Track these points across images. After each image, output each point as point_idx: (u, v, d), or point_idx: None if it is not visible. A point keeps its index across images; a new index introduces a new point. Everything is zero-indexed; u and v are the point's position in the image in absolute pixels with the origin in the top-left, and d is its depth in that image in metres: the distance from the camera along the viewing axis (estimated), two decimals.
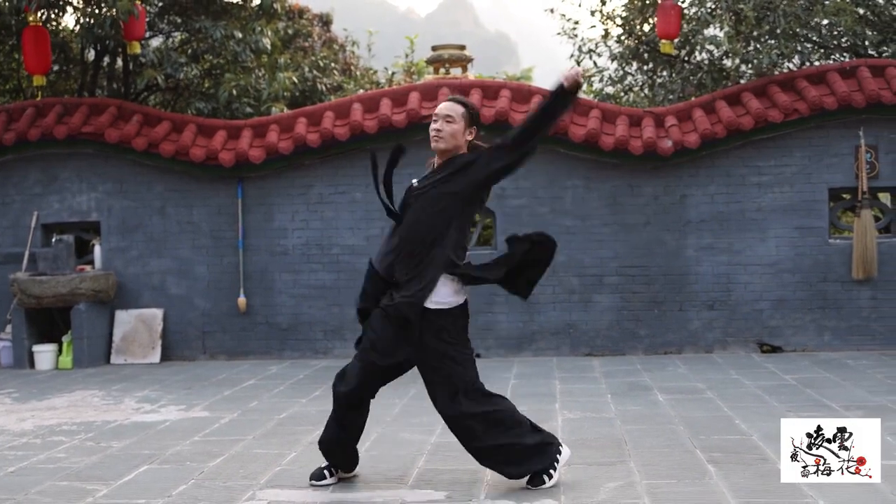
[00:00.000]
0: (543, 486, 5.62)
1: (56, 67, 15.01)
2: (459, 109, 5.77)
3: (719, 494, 5.40)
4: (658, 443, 6.74)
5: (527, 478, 5.67)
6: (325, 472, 5.91)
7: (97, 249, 12.10)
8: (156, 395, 9.38)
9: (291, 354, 11.78)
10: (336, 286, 11.74)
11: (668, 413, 7.80)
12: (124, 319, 11.92)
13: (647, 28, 15.31)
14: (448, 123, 5.74)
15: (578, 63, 16.16)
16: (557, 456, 5.70)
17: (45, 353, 11.53)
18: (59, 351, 11.63)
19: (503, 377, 9.83)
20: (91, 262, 12.28)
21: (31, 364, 11.55)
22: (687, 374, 9.83)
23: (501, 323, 11.43)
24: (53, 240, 11.95)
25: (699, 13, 13.81)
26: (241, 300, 11.75)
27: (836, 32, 13.59)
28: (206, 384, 10.01)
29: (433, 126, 5.80)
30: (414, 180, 5.90)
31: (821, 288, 11.23)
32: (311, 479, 5.91)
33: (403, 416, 7.88)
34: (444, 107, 5.82)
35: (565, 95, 5.64)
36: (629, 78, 16.24)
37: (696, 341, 11.34)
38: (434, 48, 13.76)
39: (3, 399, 9.46)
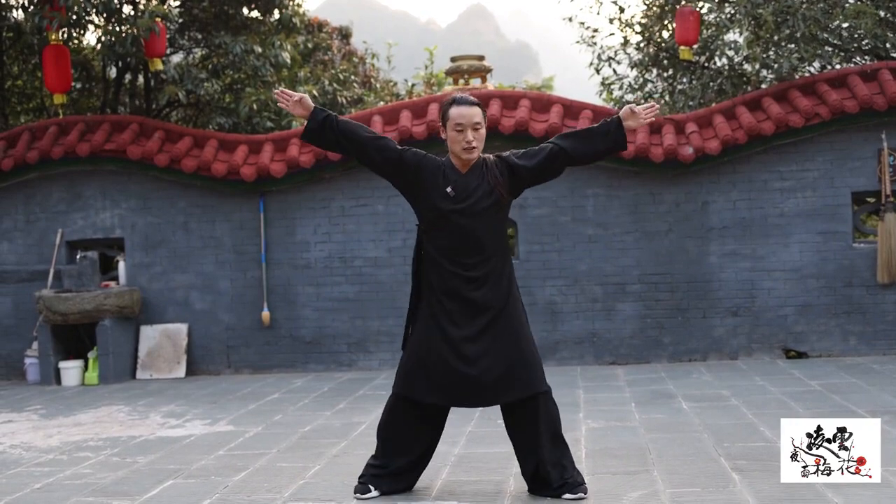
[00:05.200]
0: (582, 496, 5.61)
1: (78, 85, 15.16)
2: (479, 111, 5.70)
3: (744, 502, 5.37)
4: (682, 451, 6.71)
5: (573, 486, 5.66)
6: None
7: (121, 265, 12.17)
8: (181, 410, 9.42)
9: (315, 367, 11.81)
10: (359, 299, 11.76)
11: (693, 421, 7.77)
12: (149, 335, 11.98)
13: (666, 35, 15.29)
14: (477, 130, 5.67)
15: (598, 71, 16.15)
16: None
17: (71, 370, 11.61)
18: (85, 367, 11.71)
19: None
20: (115, 279, 12.35)
21: (58, 380, 11.62)
22: (711, 381, 9.79)
23: None
24: (78, 257, 12.04)
25: (718, 19, 13.79)
26: (265, 314, 11.79)
27: (856, 35, 13.51)
28: (231, 398, 10.04)
29: (463, 137, 5.65)
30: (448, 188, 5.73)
31: (845, 293, 11.17)
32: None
33: None
34: (468, 114, 5.66)
35: (619, 132, 5.71)
36: (649, 85, 16.21)
37: (720, 348, 11.29)
38: (453, 59, 13.79)
39: (30, 415, 9.53)
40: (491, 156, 5.80)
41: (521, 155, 5.80)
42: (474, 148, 5.67)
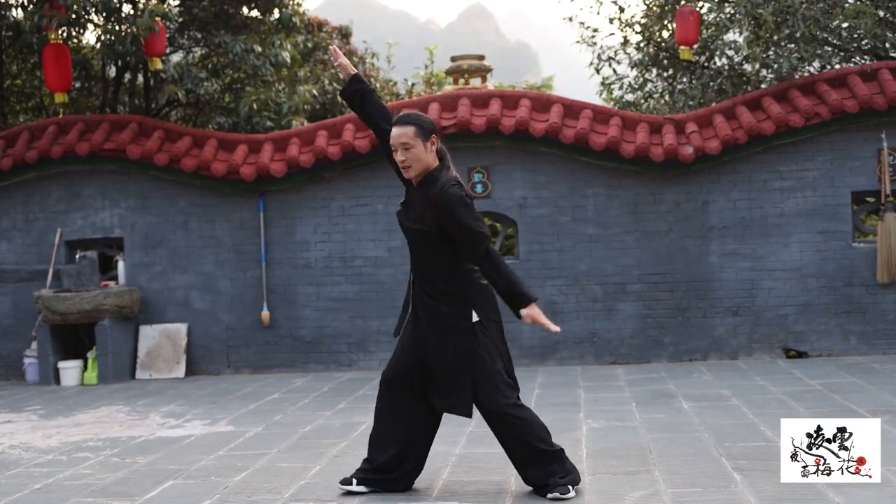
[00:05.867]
0: (569, 496, 5.60)
1: (77, 85, 15.14)
2: (411, 130, 5.65)
3: (745, 502, 5.36)
4: (683, 451, 6.70)
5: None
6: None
7: (121, 265, 12.15)
8: (181, 410, 9.41)
9: (315, 367, 11.80)
10: (359, 298, 11.75)
11: (694, 421, 7.76)
12: (149, 335, 11.97)
13: (666, 34, 15.30)
14: (407, 150, 5.65)
15: (598, 71, 16.15)
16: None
17: (70, 370, 11.59)
18: (85, 367, 11.69)
19: (527, 387, 9.79)
20: (115, 278, 12.34)
21: (57, 380, 11.61)
22: (712, 380, 9.79)
23: (525, 332, 11.40)
24: (77, 256, 12.02)
25: (718, 18, 13.79)
26: (265, 314, 11.78)
27: (856, 35, 13.52)
28: (231, 398, 10.03)
29: (397, 157, 5.71)
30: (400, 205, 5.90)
31: (845, 292, 11.16)
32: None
33: None
34: (396, 134, 5.68)
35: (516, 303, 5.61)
36: (649, 85, 16.23)
37: (720, 348, 11.28)
38: (453, 59, 13.76)
39: (29, 416, 9.51)
40: (451, 180, 5.67)
41: (461, 213, 5.54)
42: (408, 167, 5.70)
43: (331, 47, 6.19)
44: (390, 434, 5.90)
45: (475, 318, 5.69)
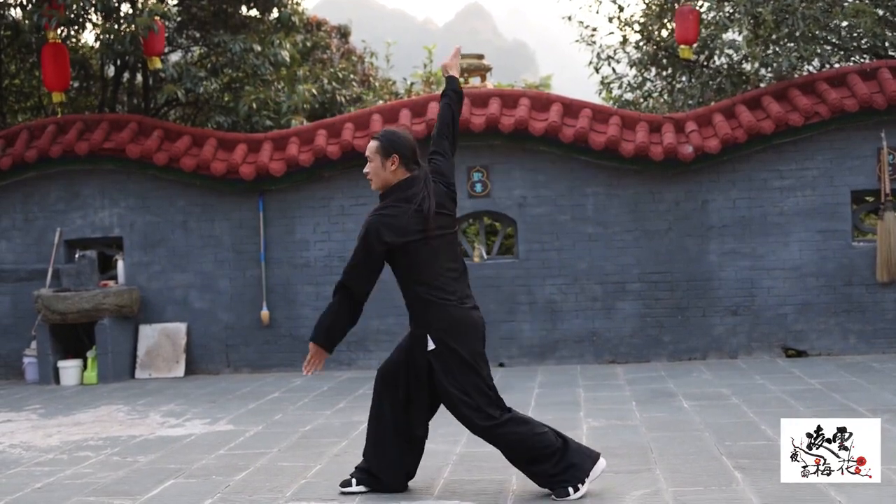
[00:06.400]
0: (570, 498, 5.59)
1: (76, 84, 15.13)
2: (374, 145, 5.81)
3: (746, 501, 5.37)
4: (684, 450, 6.70)
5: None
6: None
7: (120, 265, 12.14)
8: (181, 409, 9.41)
9: None
10: None
11: (694, 419, 7.76)
12: (148, 334, 11.96)
13: (665, 33, 15.27)
14: (370, 163, 5.84)
15: (597, 70, 16.13)
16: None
17: (70, 369, 11.59)
18: (84, 366, 11.68)
19: (527, 386, 9.81)
20: (114, 278, 12.33)
21: (57, 380, 11.60)
22: (712, 379, 9.79)
23: (524, 332, 11.40)
24: (77, 256, 12.02)
25: (717, 17, 13.77)
26: (265, 313, 11.77)
27: (855, 34, 13.51)
28: (231, 397, 10.03)
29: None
30: None
31: (845, 291, 11.16)
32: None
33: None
34: (367, 147, 5.90)
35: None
36: (648, 84, 16.20)
37: (720, 347, 11.28)
38: None
39: (29, 415, 9.51)
40: (383, 206, 5.76)
41: (357, 243, 5.74)
42: (370, 179, 5.88)
43: (457, 47, 6.36)
44: (380, 439, 5.93)
45: (431, 345, 5.67)
